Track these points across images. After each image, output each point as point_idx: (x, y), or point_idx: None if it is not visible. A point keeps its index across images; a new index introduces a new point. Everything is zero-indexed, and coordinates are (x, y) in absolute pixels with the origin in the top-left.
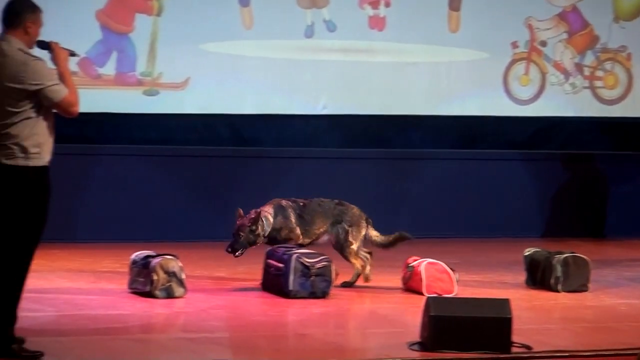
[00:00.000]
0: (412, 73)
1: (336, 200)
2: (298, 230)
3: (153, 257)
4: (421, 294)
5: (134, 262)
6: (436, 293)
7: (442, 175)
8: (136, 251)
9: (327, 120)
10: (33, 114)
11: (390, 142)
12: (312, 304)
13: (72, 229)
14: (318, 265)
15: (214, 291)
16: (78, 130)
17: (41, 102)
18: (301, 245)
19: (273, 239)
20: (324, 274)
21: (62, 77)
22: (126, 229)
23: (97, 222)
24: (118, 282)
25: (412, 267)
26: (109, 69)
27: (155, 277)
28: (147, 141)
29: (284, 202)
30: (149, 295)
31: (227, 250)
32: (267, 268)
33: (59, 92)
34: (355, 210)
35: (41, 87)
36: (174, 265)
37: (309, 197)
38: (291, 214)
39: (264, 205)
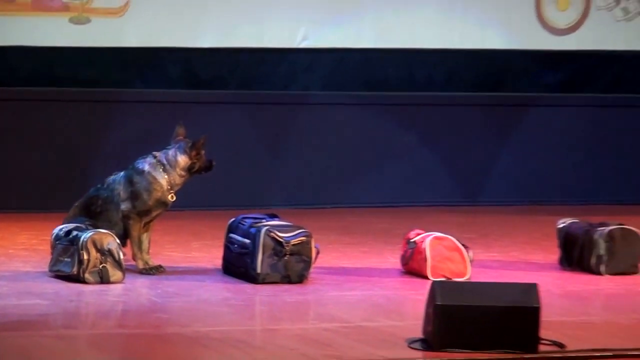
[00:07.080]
0: None
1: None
2: None
3: (82, 230)
4: (425, 277)
5: (57, 238)
6: (444, 276)
7: (454, 124)
8: (59, 224)
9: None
10: None
11: (388, 83)
12: (286, 291)
13: None
14: (294, 241)
15: (160, 275)
16: None
17: None
18: None
19: None
20: (301, 253)
21: None
22: (48, 196)
23: (10, 187)
24: (36, 263)
25: (415, 243)
26: None
27: (85, 256)
28: (75, 82)
29: None
30: (76, 279)
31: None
32: (228, 245)
33: None
34: None
35: None
36: (111, 242)
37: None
38: None
39: None
